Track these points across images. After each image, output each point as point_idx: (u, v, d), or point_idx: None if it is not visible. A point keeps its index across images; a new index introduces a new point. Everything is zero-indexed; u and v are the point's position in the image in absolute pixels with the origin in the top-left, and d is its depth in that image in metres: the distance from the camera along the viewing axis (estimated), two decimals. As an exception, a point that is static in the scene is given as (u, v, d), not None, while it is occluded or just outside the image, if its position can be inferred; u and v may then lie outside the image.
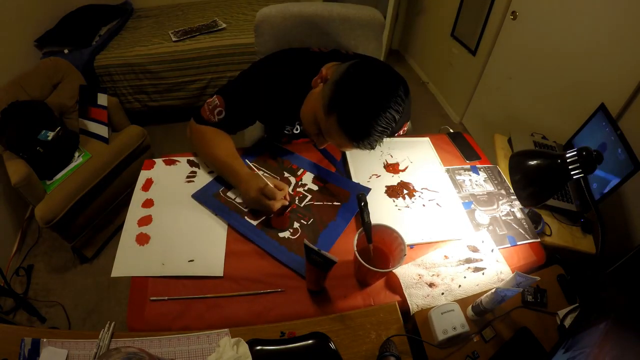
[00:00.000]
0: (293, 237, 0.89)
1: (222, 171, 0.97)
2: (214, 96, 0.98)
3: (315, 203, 0.97)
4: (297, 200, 0.97)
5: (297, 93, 0.94)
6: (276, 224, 0.91)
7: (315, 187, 1.01)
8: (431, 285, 0.83)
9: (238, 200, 0.96)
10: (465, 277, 0.85)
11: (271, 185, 0.87)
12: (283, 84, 0.96)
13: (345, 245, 0.87)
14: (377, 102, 0.75)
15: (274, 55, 1.00)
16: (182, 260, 0.83)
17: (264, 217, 0.92)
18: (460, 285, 0.83)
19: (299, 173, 1.04)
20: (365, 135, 0.77)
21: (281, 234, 0.89)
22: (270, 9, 1.19)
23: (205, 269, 0.82)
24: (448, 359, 0.72)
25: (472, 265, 0.87)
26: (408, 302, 0.79)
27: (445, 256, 0.88)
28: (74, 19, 2.41)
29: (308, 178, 1.03)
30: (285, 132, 1.09)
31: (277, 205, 0.86)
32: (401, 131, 1.23)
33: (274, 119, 1.08)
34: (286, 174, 1.04)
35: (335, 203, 0.97)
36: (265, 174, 0.97)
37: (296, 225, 0.92)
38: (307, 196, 0.99)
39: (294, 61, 0.98)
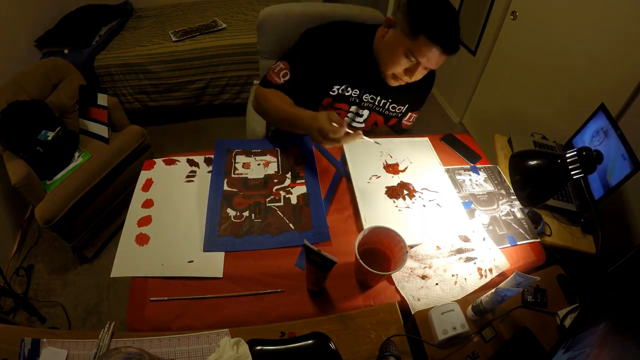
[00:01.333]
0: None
1: (286, 120, 1.03)
2: (279, 62, 1.07)
3: (278, 212, 0.95)
4: (267, 201, 0.96)
5: (350, 55, 1.06)
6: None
7: (294, 202, 0.98)
8: (424, 277, 0.84)
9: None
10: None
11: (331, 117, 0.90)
12: (338, 44, 1.06)
13: (346, 246, 0.87)
14: (450, 8, 0.90)
15: (326, 24, 1.10)
16: (182, 260, 0.83)
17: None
18: (453, 275, 0.85)
19: (297, 181, 1.03)
20: (455, 38, 0.90)
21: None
22: (273, 9, 1.19)
23: (205, 270, 0.82)
24: (448, 359, 0.72)
25: (464, 255, 0.88)
26: (402, 294, 0.80)
27: (437, 247, 0.89)
28: (74, 19, 2.40)
29: (298, 190, 1.01)
30: (331, 92, 1.11)
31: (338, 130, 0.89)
32: (408, 121, 1.25)
33: (325, 79, 1.10)
34: (289, 174, 1.04)
35: (291, 225, 0.93)
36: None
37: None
38: (279, 201, 0.97)
39: (347, 28, 1.09)
